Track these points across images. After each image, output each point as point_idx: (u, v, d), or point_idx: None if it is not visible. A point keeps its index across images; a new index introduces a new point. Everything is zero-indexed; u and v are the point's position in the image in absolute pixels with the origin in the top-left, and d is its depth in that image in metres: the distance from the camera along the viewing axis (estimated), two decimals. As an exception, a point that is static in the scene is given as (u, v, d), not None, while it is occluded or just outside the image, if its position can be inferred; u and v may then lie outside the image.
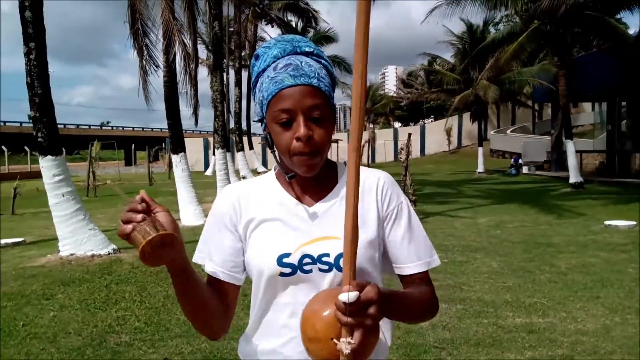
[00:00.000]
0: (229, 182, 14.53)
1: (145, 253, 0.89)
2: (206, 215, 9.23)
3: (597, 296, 4.89)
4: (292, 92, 1.04)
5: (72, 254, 6.68)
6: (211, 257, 1.16)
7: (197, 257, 1.17)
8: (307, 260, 1.09)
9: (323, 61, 1.12)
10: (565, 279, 5.56)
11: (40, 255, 7.05)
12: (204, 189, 17.52)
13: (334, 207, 1.13)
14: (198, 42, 17.08)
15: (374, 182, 1.18)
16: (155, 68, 11.28)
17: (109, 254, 6.80)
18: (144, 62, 11.26)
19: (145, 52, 11.31)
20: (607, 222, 8.78)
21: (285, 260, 1.09)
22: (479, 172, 25.05)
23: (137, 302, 5.01)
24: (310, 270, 1.08)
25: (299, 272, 1.08)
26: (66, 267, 6.31)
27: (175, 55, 10.84)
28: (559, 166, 22.08)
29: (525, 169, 25.02)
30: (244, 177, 20.61)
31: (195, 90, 19.67)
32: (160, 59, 11.04)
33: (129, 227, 0.91)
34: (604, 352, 3.61)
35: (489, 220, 9.94)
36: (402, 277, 1.17)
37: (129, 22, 10.60)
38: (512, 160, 26.58)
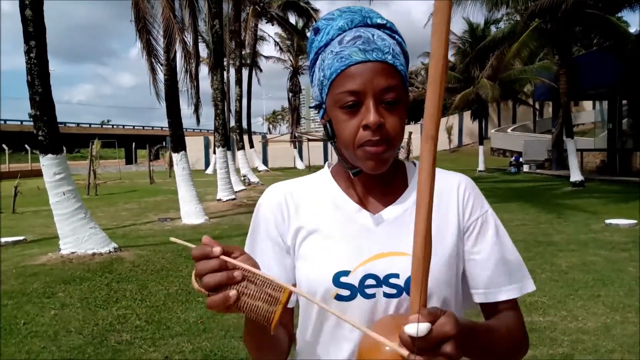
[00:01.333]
0: (230, 181, 14.55)
1: (277, 323, 0.71)
2: (207, 214, 9.18)
3: (598, 295, 4.89)
4: (362, 69, 0.84)
5: (72, 253, 6.69)
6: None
7: None
8: (370, 281, 0.87)
9: (397, 37, 0.92)
10: (565, 277, 5.56)
11: (41, 253, 7.05)
12: (205, 187, 17.53)
13: (405, 215, 0.91)
14: (198, 40, 17.08)
15: (454, 186, 0.97)
16: (161, 66, 11.27)
17: (109, 252, 6.81)
18: (153, 60, 11.24)
19: (152, 51, 11.28)
20: (607, 221, 8.77)
21: (343, 279, 0.88)
22: (480, 171, 25.04)
23: (138, 300, 5.02)
24: (374, 295, 0.87)
25: (359, 295, 0.87)
26: (67, 265, 6.31)
27: (175, 53, 10.83)
28: (560, 165, 22.08)
29: (526, 168, 25.02)
30: (244, 176, 20.60)
31: (197, 88, 19.70)
32: (161, 57, 11.04)
33: (233, 293, 0.70)
34: (604, 351, 3.61)
35: (489, 219, 9.92)
36: (485, 306, 0.94)
37: (134, 21, 10.60)
38: (513, 158, 26.57)
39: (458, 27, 27.94)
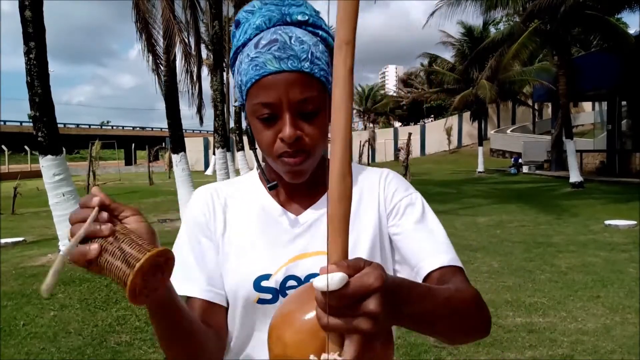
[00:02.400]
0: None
1: (137, 289, 0.59)
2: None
3: (598, 296, 4.90)
4: (276, 80, 0.79)
5: (72, 254, 6.68)
6: (192, 276, 0.87)
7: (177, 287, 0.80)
8: (291, 282, 0.86)
9: (321, 32, 0.86)
10: (565, 278, 5.56)
11: (41, 254, 7.05)
12: (204, 188, 17.51)
13: (325, 215, 0.74)
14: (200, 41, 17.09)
15: (376, 178, 0.95)
16: (163, 68, 11.27)
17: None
18: (157, 61, 11.23)
19: (154, 51, 11.28)
20: (607, 222, 8.78)
21: (264, 283, 0.85)
22: (479, 172, 25.06)
23: (138, 301, 5.01)
24: None
25: (281, 297, 0.85)
26: (66, 266, 6.20)
27: (175, 54, 10.84)
28: (559, 166, 22.10)
29: (525, 169, 25.04)
30: (244, 177, 20.57)
31: (200, 89, 19.71)
32: (161, 58, 11.05)
33: (95, 247, 0.60)
34: (604, 352, 3.61)
35: (489, 220, 9.93)
36: (427, 280, 0.85)
37: (135, 22, 10.61)
38: (512, 159, 26.60)
39: (457, 28, 27.99)
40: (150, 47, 10.87)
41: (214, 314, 0.87)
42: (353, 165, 0.79)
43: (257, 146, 0.88)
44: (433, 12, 17.36)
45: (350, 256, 0.55)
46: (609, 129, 20.44)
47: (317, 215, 0.91)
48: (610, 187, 15.61)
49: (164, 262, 0.62)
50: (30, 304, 4.98)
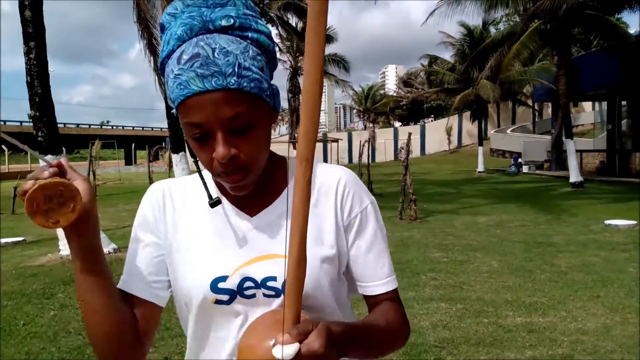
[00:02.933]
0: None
1: (34, 201, 0.69)
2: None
3: (598, 295, 4.90)
4: (202, 101, 0.76)
5: (72, 253, 6.68)
6: (135, 273, 0.91)
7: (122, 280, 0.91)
8: (248, 283, 0.86)
9: (250, 34, 0.80)
10: (565, 278, 5.56)
11: (41, 254, 7.05)
12: (204, 188, 17.52)
13: (282, 217, 0.89)
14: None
15: (334, 183, 0.93)
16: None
17: (109, 253, 6.80)
18: (158, 60, 11.21)
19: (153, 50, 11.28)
20: (607, 222, 8.78)
21: (221, 285, 0.85)
22: (479, 172, 25.06)
23: (138, 301, 5.01)
24: (254, 295, 0.85)
25: (239, 297, 0.86)
26: (66, 266, 6.31)
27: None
28: (559, 165, 22.11)
29: (525, 168, 25.04)
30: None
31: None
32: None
33: (29, 182, 0.71)
34: (604, 352, 3.61)
35: (489, 220, 9.94)
36: (367, 298, 0.96)
37: (136, 22, 10.61)
38: (512, 159, 26.60)
39: (457, 28, 28.01)
40: (151, 46, 10.86)
41: (145, 312, 0.90)
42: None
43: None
44: (433, 11, 17.36)
45: (311, 266, 0.74)
46: (609, 129, 20.45)
47: (273, 217, 0.90)
48: (611, 187, 15.61)
49: (70, 197, 0.72)
50: (30, 303, 4.98)
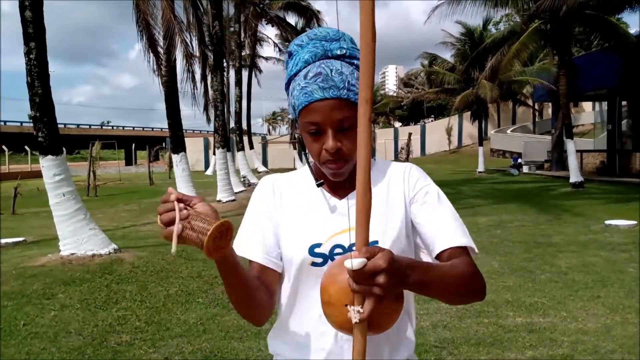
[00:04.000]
0: (229, 182, 14.56)
1: (210, 248, 0.87)
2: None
3: (598, 295, 4.89)
4: (321, 105, 1.04)
5: (72, 254, 6.68)
6: (254, 246, 1.15)
7: (239, 251, 1.13)
8: (338, 250, 1.09)
9: (356, 61, 1.09)
10: (565, 278, 5.56)
11: (41, 254, 7.05)
12: (205, 188, 17.53)
13: None
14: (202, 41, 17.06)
15: (401, 170, 1.18)
16: (163, 68, 11.29)
17: (109, 253, 6.80)
18: (160, 60, 11.25)
19: (156, 51, 11.31)
20: (607, 222, 8.77)
21: (317, 250, 1.10)
22: (480, 172, 25.06)
23: (138, 301, 5.01)
24: None
25: (330, 262, 1.08)
26: (67, 266, 6.31)
27: (175, 55, 10.85)
28: (560, 166, 22.10)
29: (525, 169, 25.03)
30: (244, 177, 20.61)
31: (206, 88, 19.67)
32: (162, 58, 11.04)
33: (179, 227, 0.86)
34: (604, 352, 3.61)
35: (489, 220, 9.94)
36: (439, 257, 1.09)
37: (136, 22, 10.62)
38: (512, 159, 26.58)
39: (457, 28, 28.00)
40: (152, 47, 10.88)
41: (266, 274, 1.13)
42: (381, 161, 1.24)
43: (307, 150, 1.14)
44: (434, 9, 17.34)
45: (384, 236, 1.09)
46: (609, 129, 20.43)
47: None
48: (611, 187, 15.61)
49: (225, 230, 0.89)
50: (30, 304, 4.98)
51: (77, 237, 6.77)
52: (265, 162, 36.23)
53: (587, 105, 37.60)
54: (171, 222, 0.86)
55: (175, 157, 10.84)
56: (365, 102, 0.80)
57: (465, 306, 4.66)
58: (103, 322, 4.42)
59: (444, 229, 1.10)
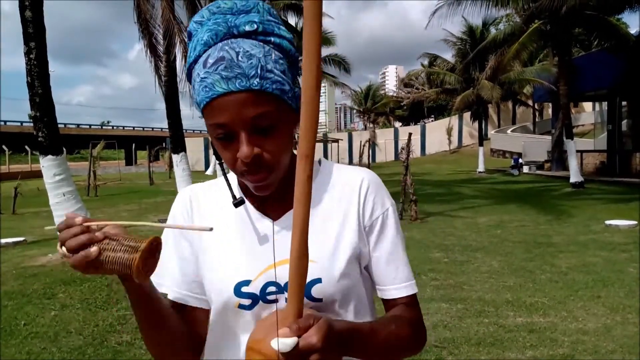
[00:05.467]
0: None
1: (140, 270, 0.73)
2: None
3: (598, 295, 4.89)
4: (226, 102, 0.79)
5: (73, 254, 6.68)
6: (172, 277, 0.95)
7: (156, 283, 0.90)
8: (271, 288, 0.87)
9: (273, 38, 0.83)
10: (565, 278, 5.56)
11: (41, 254, 7.05)
12: (205, 188, 17.50)
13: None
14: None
15: (356, 184, 0.94)
16: (164, 68, 11.28)
17: (109, 253, 6.80)
18: (159, 61, 11.23)
19: (156, 51, 11.30)
20: (607, 222, 8.77)
21: (244, 289, 0.88)
22: (480, 172, 25.05)
23: (138, 301, 5.01)
24: (276, 300, 0.87)
25: (260, 302, 0.88)
26: (67, 266, 6.31)
27: (175, 54, 10.84)
28: (560, 166, 22.08)
29: (525, 169, 25.02)
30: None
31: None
32: (162, 58, 11.04)
33: (94, 249, 0.71)
34: (604, 352, 3.61)
35: (489, 220, 9.93)
36: (385, 302, 0.97)
37: (137, 22, 10.61)
38: (513, 160, 26.57)
39: (458, 28, 27.99)
40: (152, 47, 10.87)
41: (186, 312, 0.94)
42: (329, 165, 0.99)
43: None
44: (434, 12, 17.34)
45: (331, 267, 0.87)
46: (609, 129, 20.43)
47: None
48: (611, 187, 15.60)
49: (155, 247, 0.75)
50: (31, 303, 4.98)
51: (78, 237, 6.77)
52: (265, 162, 36.18)
53: (587, 106, 37.62)
54: (81, 247, 0.72)
55: (176, 157, 10.83)
56: (306, 157, 0.62)
57: (465, 306, 4.67)
58: (103, 322, 4.43)
59: (399, 272, 0.95)
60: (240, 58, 0.79)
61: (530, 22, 17.42)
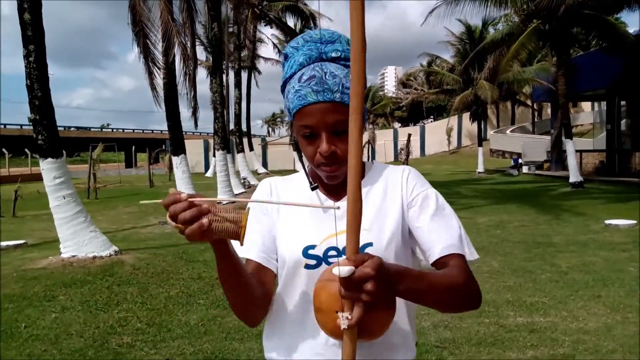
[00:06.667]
0: (229, 183, 14.58)
1: (242, 236, 0.89)
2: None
3: (598, 295, 4.90)
4: (315, 109, 1.04)
5: (73, 256, 6.68)
6: (255, 245, 1.15)
7: (237, 249, 1.09)
8: (332, 252, 1.08)
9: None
10: (566, 278, 5.57)
11: (42, 257, 7.04)
12: (205, 190, 17.51)
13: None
14: (197, 43, 17.07)
15: (399, 174, 1.18)
16: (158, 70, 11.30)
17: (110, 255, 6.80)
18: (150, 64, 11.27)
19: (149, 54, 11.34)
20: (607, 221, 8.77)
21: (310, 251, 1.09)
22: (479, 172, 25.08)
23: (139, 303, 5.01)
24: (337, 263, 1.01)
25: (323, 264, 1.08)
26: (67, 268, 6.31)
27: (174, 56, 10.85)
28: (559, 166, 22.10)
29: (525, 169, 25.04)
30: (244, 179, 20.62)
31: (195, 92, 19.63)
32: (160, 60, 11.05)
33: (206, 220, 0.85)
34: (605, 351, 3.61)
35: (489, 220, 9.94)
36: (435, 265, 1.09)
37: (131, 24, 10.60)
38: (512, 160, 26.59)
39: (456, 28, 28.00)
40: (147, 50, 10.88)
41: (263, 273, 1.13)
42: (379, 165, 1.25)
43: (302, 154, 1.15)
44: (432, 10, 17.32)
45: (379, 238, 1.09)
46: (608, 129, 20.45)
47: None
48: (610, 187, 15.61)
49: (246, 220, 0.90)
50: (31, 306, 4.98)
51: (78, 240, 6.78)
52: (265, 164, 36.21)
53: (586, 105, 37.63)
54: (194, 219, 0.84)
55: (176, 160, 10.85)
56: (355, 111, 0.80)
57: (465, 306, 4.66)
58: (104, 324, 4.43)
59: (442, 235, 1.09)
60: (327, 77, 1.05)
61: (528, 22, 17.42)
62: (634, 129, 19.12)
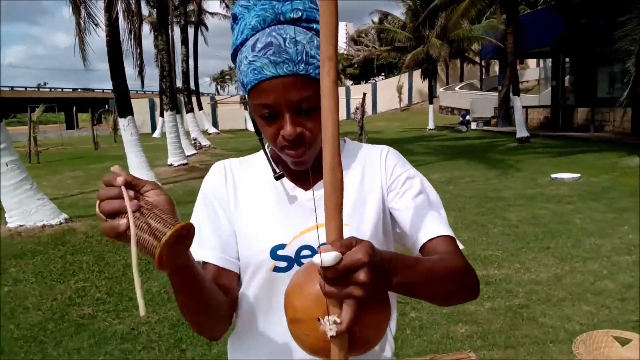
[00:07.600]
0: (180, 145, 14.19)
1: (163, 258, 0.67)
2: (158, 181, 8.93)
3: (548, 247, 5.16)
4: (274, 84, 0.85)
5: (20, 226, 6.38)
6: (208, 244, 0.96)
7: (195, 252, 0.90)
8: (305, 251, 0.92)
9: (315, 25, 0.89)
10: (516, 231, 5.82)
11: (-15, 227, 6.70)
12: (154, 152, 17.00)
13: None
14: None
15: (377, 156, 1.02)
16: (95, 26, 10.66)
17: (60, 223, 6.55)
18: (82, 20, 10.60)
19: (83, 9, 10.66)
20: (553, 175, 9.19)
21: (280, 252, 0.92)
22: (430, 129, 25.52)
23: (96, 272, 4.89)
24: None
25: (295, 265, 0.92)
26: (16, 239, 6.04)
27: (117, 12, 10.24)
28: (506, 121, 22.78)
29: (473, 125, 25.68)
30: (195, 139, 20.14)
31: (140, 49, 18.75)
32: (101, 16, 10.41)
33: (123, 222, 0.66)
34: (556, 300, 3.84)
35: (441, 177, 10.19)
36: (422, 250, 0.95)
37: None
38: (460, 116, 27.15)
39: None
40: (77, 5, 10.24)
41: (225, 277, 0.95)
42: (353, 143, 1.06)
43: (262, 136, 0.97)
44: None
45: (358, 229, 0.91)
46: (553, 85, 21.15)
47: None
48: (555, 142, 16.28)
49: (185, 234, 0.70)
50: (-20, 280, 4.76)
51: (25, 208, 6.46)
52: (215, 124, 35.40)
53: (531, 62, 38.65)
54: (116, 214, 0.67)
55: (123, 121, 10.36)
56: (329, 59, 0.63)
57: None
58: (62, 295, 4.30)
59: (428, 217, 0.95)
60: (287, 44, 0.85)
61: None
62: (577, 85, 19.87)
